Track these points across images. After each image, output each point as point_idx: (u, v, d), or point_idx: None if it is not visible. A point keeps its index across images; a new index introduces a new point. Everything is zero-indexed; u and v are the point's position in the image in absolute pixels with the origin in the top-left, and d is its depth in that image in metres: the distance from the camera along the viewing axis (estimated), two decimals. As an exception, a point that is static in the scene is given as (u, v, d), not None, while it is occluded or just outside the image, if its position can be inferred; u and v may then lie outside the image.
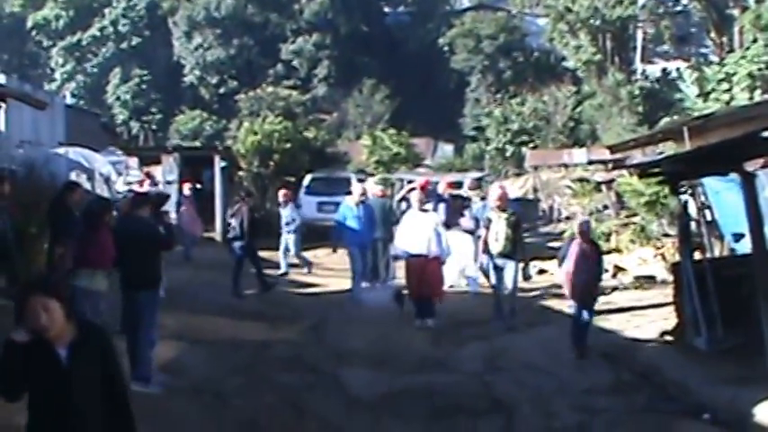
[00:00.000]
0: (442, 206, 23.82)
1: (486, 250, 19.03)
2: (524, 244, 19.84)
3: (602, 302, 20.70)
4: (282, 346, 16.44)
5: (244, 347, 16.49)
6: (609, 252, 27.07)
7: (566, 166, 46.27)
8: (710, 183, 19.86)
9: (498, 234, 18.67)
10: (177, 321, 17.16)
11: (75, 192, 16.46)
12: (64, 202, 16.03)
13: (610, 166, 36.18)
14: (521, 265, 19.06)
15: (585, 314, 16.29)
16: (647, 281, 22.50)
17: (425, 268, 19.08)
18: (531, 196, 47.76)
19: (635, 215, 26.90)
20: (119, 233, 14.09)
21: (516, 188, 49.86)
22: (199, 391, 13.35)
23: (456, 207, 24.31)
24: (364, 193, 23.42)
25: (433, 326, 18.57)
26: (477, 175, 37.85)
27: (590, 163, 41.80)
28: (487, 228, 18.93)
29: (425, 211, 20.29)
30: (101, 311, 13.47)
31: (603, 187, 31.77)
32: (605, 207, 31.89)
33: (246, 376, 14.27)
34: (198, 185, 33.68)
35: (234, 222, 22.82)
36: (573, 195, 36.35)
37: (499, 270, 18.92)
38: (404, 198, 26.22)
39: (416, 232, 19.29)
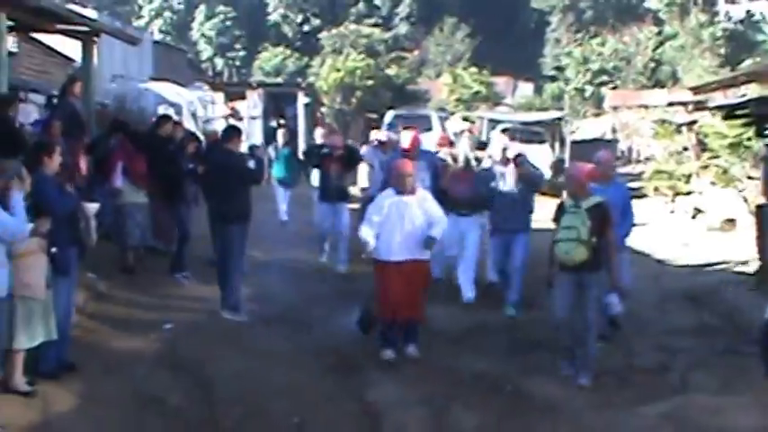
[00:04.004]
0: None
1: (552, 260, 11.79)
2: (613, 251, 11.86)
3: (681, 244, 20.83)
4: (366, 280, 16.67)
5: (327, 279, 16.86)
6: (689, 194, 27.11)
7: (645, 107, 46.00)
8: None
9: (570, 235, 11.44)
10: (265, 253, 17.65)
11: (168, 123, 17.06)
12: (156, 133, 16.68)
13: (690, 107, 35.96)
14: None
15: None
16: (729, 224, 22.43)
17: (410, 278, 12.34)
18: (609, 137, 47.57)
19: (716, 157, 26.73)
20: (210, 164, 14.58)
21: (598, 127, 49.72)
22: (284, 320, 13.71)
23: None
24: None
25: (416, 355, 12.43)
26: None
27: (670, 105, 41.54)
28: (556, 221, 11.80)
29: (410, 193, 12.45)
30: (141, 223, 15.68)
31: (684, 129, 31.57)
32: (685, 149, 31.71)
33: (329, 307, 14.54)
34: (282, 121, 34.08)
35: None
36: (654, 136, 36.18)
37: (564, 292, 11.73)
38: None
39: (396, 226, 12.33)
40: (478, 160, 16.20)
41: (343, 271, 17.58)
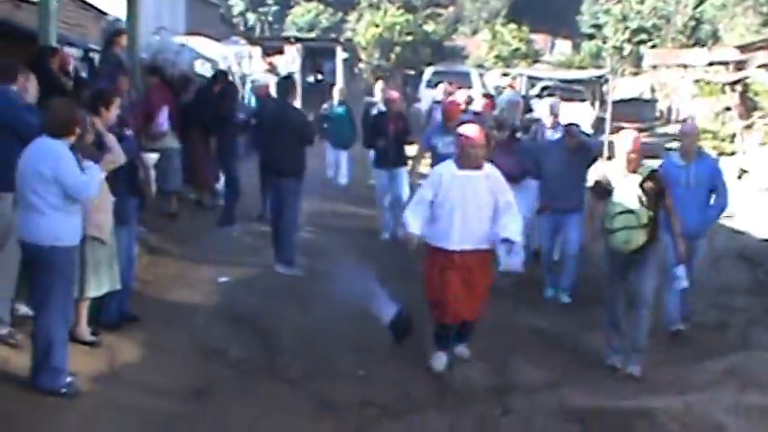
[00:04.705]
0: None
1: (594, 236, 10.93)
2: (676, 221, 10.45)
3: (732, 204, 20.70)
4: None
5: (378, 237, 16.73)
6: (732, 153, 26.89)
7: (685, 66, 45.72)
8: None
9: (629, 222, 10.05)
10: (316, 209, 17.63)
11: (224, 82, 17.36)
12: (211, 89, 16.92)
13: (731, 67, 35.67)
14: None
15: None
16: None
17: (471, 272, 10.13)
18: (648, 96, 47.28)
19: (764, 117, 26.46)
20: (264, 117, 14.44)
21: (636, 86, 49.42)
22: (337, 277, 13.65)
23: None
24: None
25: (468, 357, 10.64)
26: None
27: (710, 64, 41.26)
28: (599, 196, 10.41)
29: (478, 167, 10.00)
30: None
31: (727, 88, 31.29)
32: (727, 109, 31.43)
33: (381, 263, 14.43)
34: (319, 76, 33.98)
35: None
36: (696, 94, 35.91)
37: (617, 278, 10.49)
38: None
39: (458, 207, 9.92)
40: (526, 129, 15.41)
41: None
